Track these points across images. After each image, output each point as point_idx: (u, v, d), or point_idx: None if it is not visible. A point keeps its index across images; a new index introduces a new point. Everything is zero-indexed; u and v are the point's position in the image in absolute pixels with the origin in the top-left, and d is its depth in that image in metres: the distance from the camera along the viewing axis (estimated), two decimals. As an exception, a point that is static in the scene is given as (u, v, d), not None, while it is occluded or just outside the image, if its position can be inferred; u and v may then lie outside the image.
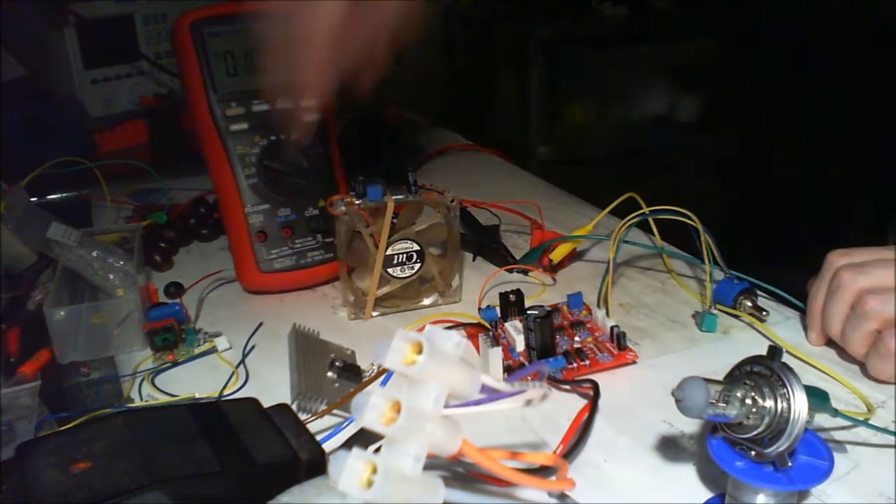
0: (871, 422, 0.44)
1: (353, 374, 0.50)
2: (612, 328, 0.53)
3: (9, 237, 0.63)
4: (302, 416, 0.45)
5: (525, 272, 0.66)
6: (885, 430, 0.44)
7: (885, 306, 0.47)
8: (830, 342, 0.53)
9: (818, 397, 0.42)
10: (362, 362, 0.53)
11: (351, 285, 0.59)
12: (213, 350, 0.56)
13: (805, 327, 0.55)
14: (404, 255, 0.58)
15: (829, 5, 0.82)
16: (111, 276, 0.60)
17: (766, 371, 0.36)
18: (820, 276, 0.53)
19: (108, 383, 0.53)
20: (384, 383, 0.45)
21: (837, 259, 0.52)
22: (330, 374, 0.50)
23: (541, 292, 0.63)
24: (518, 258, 0.67)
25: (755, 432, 0.35)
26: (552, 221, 0.72)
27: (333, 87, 0.53)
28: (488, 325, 0.55)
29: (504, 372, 0.51)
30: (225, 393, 0.51)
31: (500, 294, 0.56)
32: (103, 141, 1.00)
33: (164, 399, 0.51)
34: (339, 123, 0.78)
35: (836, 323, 0.51)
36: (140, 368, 0.54)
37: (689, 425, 0.46)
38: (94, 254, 0.60)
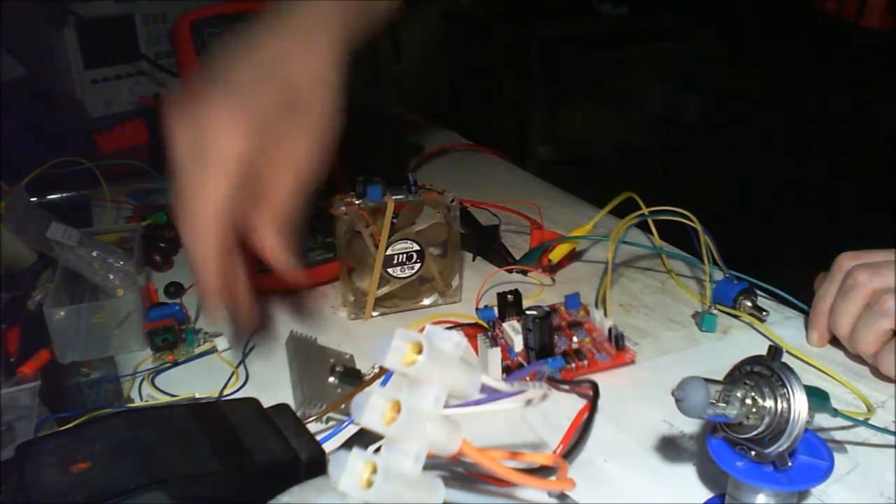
0: (871, 422, 0.44)
1: (354, 379, 0.50)
2: (609, 328, 0.53)
3: (9, 237, 0.63)
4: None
5: (524, 272, 0.66)
6: (885, 430, 0.44)
7: None
8: (830, 343, 0.54)
9: (818, 397, 0.42)
10: (361, 363, 0.53)
11: (351, 285, 0.59)
12: (213, 350, 0.56)
13: (806, 327, 0.55)
14: (404, 255, 0.58)
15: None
16: (111, 276, 0.60)
17: (766, 371, 0.36)
18: (829, 278, 0.53)
19: (108, 383, 0.53)
20: (384, 383, 0.45)
21: (849, 261, 0.52)
22: (332, 379, 0.50)
23: (539, 293, 0.63)
24: (518, 258, 0.67)
25: (755, 432, 0.35)
26: (552, 221, 0.72)
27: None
28: (486, 325, 0.55)
29: (503, 372, 0.51)
30: (225, 393, 0.51)
31: (498, 294, 0.56)
32: (103, 141, 0.99)
33: (164, 399, 0.51)
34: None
35: (845, 322, 0.51)
36: (140, 368, 0.54)
37: (689, 425, 0.46)
38: (94, 254, 0.60)
